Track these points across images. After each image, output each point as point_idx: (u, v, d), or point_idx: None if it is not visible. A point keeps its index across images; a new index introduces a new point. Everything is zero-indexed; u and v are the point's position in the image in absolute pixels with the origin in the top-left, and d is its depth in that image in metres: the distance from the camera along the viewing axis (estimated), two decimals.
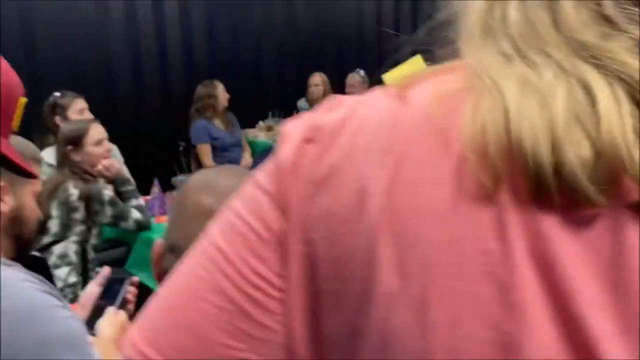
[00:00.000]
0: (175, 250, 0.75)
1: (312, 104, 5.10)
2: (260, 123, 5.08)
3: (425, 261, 0.33)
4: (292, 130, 0.40)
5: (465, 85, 0.35)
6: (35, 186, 1.21)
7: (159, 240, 0.80)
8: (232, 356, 0.39)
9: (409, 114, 0.37)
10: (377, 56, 5.93)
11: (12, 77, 1.06)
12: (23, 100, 1.12)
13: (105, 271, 1.52)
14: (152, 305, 0.43)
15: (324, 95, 5.05)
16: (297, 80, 5.49)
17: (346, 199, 0.36)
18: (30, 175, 1.11)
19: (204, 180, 0.81)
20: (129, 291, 1.50)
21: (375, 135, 0.37)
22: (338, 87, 5.40)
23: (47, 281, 1.01)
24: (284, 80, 5.55)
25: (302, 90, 5.27)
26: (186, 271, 0.42)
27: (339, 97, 0.42)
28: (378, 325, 0.35)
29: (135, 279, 1.57)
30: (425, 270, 0.33)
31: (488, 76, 0.34)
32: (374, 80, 5.23)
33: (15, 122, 1.12)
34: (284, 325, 0.38)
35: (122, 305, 1.45)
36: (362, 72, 4.67)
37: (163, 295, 0.43)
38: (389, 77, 2.00)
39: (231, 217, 0.41)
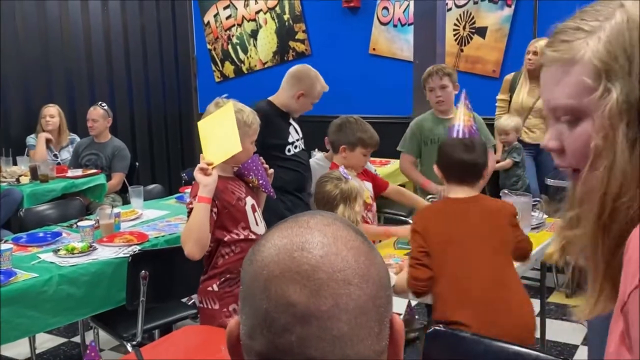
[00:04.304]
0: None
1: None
2: None
3: None
4: None
5: None
6: None
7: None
8: None
9: None
10: (108, 86, 5.89)
11: None
12: None
13: None
14: None
15: (61, 127, 4.85)
16: (25, 116, 5.15)
17: None
18: None
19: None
20: None
21: None
22: (70, 118, 5.22)
23: None
24: (6, 115, 5.14)
25: (30, 125, 4.96)
26: None
27: None
28: None
29: None
30: None
31: None
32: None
33: None
34: None
35: None
36: (104, 105, 4.64)
37: None
38: (201, 124, 2.24)
39: None
